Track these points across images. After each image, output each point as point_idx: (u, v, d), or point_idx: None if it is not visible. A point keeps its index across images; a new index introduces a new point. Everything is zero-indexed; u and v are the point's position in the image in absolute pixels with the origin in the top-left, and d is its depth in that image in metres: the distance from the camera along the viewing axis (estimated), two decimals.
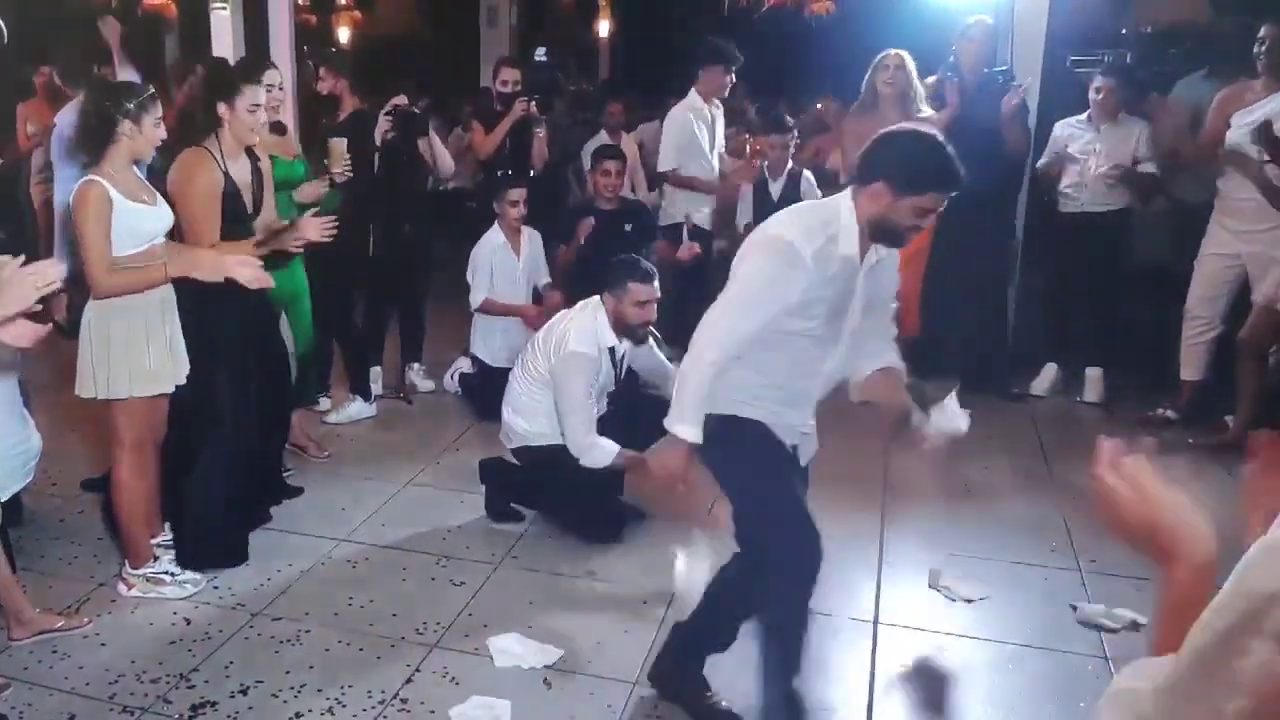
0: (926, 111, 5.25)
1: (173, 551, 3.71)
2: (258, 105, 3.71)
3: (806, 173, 5.68)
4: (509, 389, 4.20)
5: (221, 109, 3.67)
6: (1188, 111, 5.29)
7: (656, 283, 4.00)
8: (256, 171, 3.84)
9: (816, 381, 2.73)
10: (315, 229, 3.81)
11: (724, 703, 2.92)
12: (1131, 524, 1.15)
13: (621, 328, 3.98)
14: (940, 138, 2.54)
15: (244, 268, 3.42)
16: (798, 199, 5.54)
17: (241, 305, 3.77)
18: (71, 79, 4.87)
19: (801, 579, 2.67)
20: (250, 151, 3.82)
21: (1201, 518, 1.12)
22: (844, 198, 2.58)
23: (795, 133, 5.75)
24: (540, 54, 5.96)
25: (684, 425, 2.61)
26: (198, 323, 3.56)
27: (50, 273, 2.33)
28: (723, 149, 5.98)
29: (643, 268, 4.02)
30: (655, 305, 4.00)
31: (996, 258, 5.64)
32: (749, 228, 5.70)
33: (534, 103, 5.89)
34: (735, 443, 2.67)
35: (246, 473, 3.86)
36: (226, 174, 3.67)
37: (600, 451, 3.91)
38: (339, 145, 4.62)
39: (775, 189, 5.61)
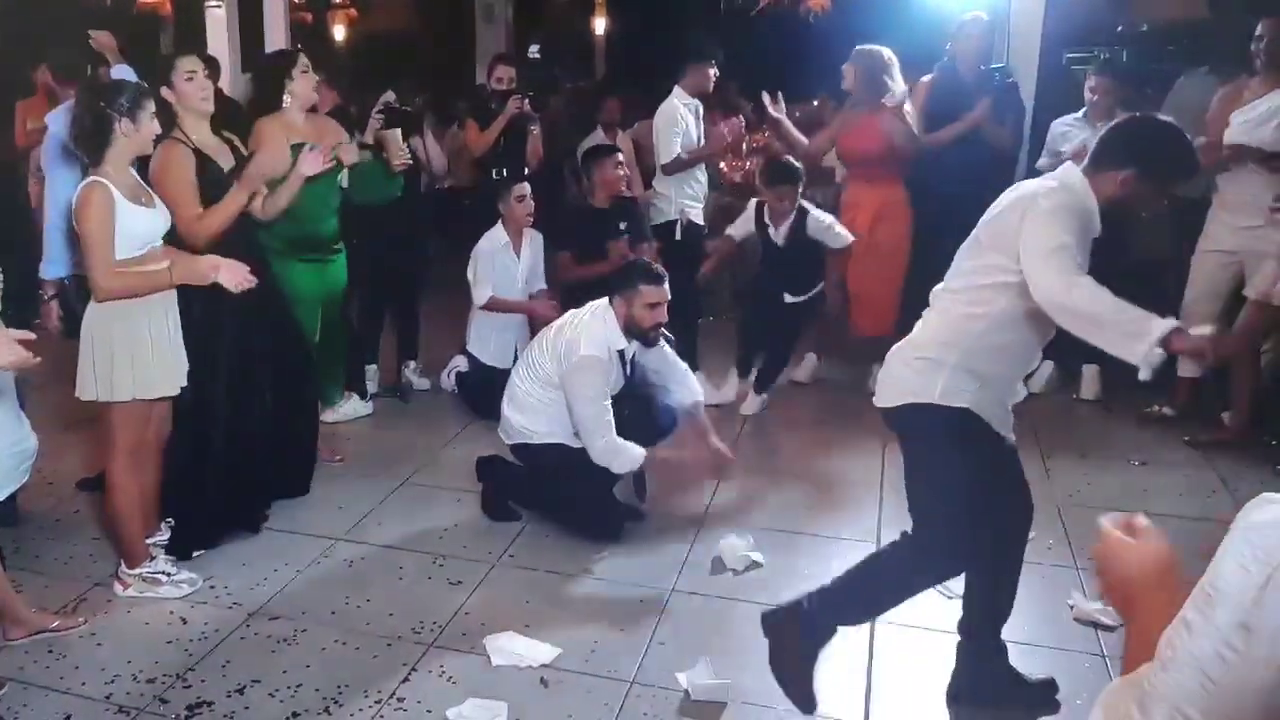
0: (899, 94, 5.24)
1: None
2: (193, 72, 3.70)
3: (811, 213, 5.26)
4: (510, 385, 4.19)
5: (165, 92, 3.66)
6: (1196, 109, 5.26)
7: (666, 284, 3.99)
8: (235, 151, 3.84)
9: (1035, 362, 2.88)
10: (311, 162, 3.98)
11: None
12: (1110, 555, 1.15)
13: (633, 330, 3.96)
14: (1179, 128, 2.65)
15: (229, 272, 3.43)
16: (806, 240, 5.27)
17: (243, 302, 3.78)
18: (68, 78, 4.86)
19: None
20: (220, 134, 3.83)
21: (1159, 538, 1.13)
22: (1077, 177, 2.64)
23: (803, 181, 5.34)
24: (534, 50, 5.87)
25: (1151, 335, 2.36)
26: (200, 314, 3.58)
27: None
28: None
29: (653, 270, 4.00)
30: (666, 307, 3.99)
31: None
32: (729, 240, 5.60)
33: (528, 100, 5.87)
34: (957, 443, 2.70)
35: (239, 464, 3.87)
36: (197, 151, 3.68)
37: (627, 456, 3.91)
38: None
39: (779, 235, 5.31)
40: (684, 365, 4.25)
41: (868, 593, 2.90)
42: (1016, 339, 2.69)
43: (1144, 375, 2.39)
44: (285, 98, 4.35)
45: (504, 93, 5.91)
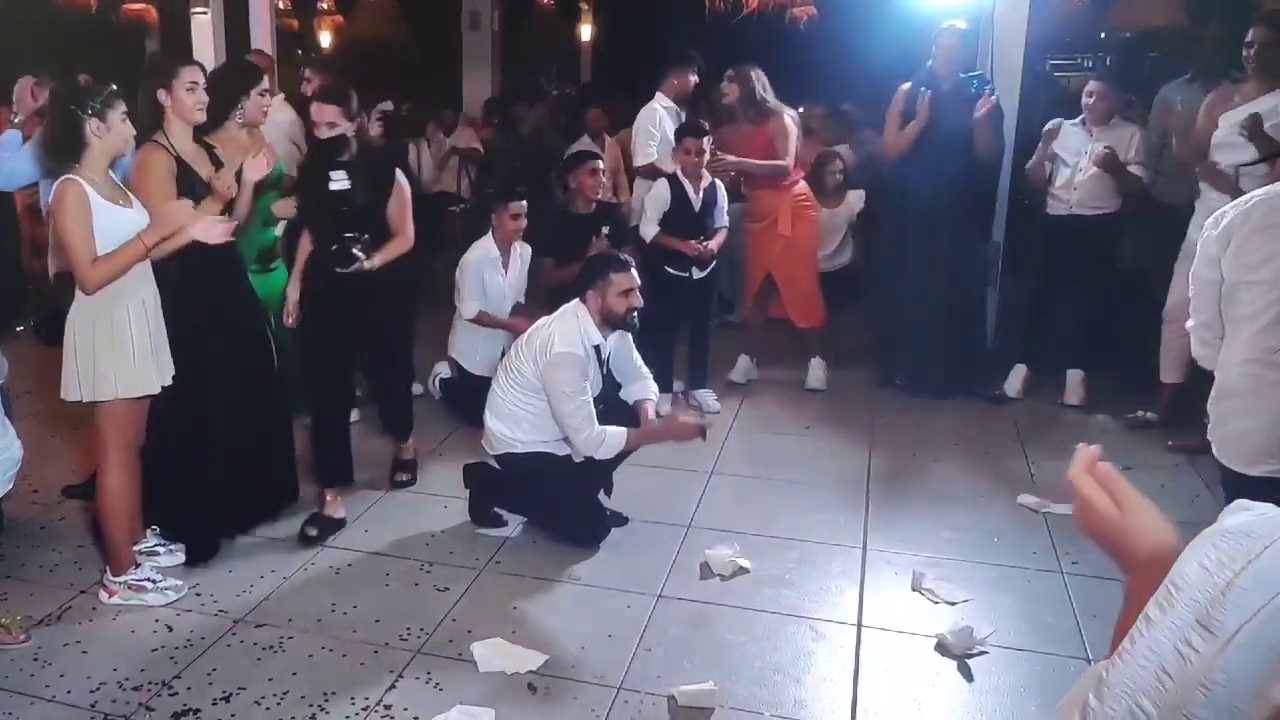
0: (790, 112, 5.60)
1: (155, 558, 3.70)
2: (195, 83, 3.67)
3: (717, 181, 5.52)
4: (491, 395, 4.18)
5: (161, 95, 3.64)
6: (1183, 115, 5.29)
7: (634, 269, 4.05)
8: (215, 160, 3.81)
9: None
10: (256, 168, 3.81)
11: None
12: (1102, 528, 1.16)
13: (611, 319, 4.01)
14: None
15: (206, 228, 3.44)
16: (716, 205, 5.52)
17: (229, 312, 3.78)
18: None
19: None
20: (203, 143, 3.81)
21: (1165, 520, 1.13)
22: None
23: (710, 138, 5.43)
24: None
25: None
26: (179, 324, 3.57)
27: None
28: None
29: (619, 258, 4.10)
30: (639, 291, 4.04)
31: (971, 260, 5.67)
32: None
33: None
34: None
35: (227, 472, 3.86)
36: (179, 159, 3.65)
37: (611, 438, 3.93)
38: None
39: (695, 199, 5.43)
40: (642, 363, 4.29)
41: None
42: None
43: None
44: (236, 113, 4.22)
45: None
